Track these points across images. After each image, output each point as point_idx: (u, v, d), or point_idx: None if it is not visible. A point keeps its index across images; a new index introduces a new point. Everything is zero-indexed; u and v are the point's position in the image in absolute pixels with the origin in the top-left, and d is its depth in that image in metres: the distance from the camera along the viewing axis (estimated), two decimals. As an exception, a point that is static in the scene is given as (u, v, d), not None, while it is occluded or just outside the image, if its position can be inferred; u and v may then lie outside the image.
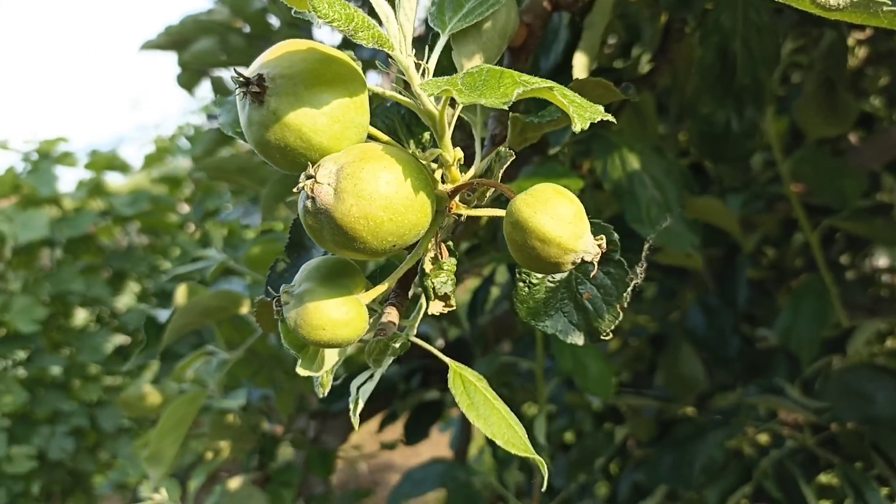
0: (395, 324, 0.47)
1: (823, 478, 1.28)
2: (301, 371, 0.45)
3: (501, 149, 0.44)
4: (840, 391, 1.14)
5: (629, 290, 0.45)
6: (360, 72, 0.39)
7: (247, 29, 1.32)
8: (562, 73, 0.68)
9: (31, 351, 2.73)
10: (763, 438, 1.25)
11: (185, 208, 3.34)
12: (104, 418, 2.71)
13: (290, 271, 0.53)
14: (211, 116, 1.38)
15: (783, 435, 1.17)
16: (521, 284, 0.45)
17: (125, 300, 3.07)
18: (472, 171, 0.45)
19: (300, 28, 1.30)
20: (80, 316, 3.03)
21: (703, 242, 1.35)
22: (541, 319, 0.46)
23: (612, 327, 0.46)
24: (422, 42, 0.45)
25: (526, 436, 0.46)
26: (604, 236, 0.35)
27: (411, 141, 0.48)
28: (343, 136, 0.38)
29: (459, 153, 0.45)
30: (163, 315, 0.83)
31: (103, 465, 2.79)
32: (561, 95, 0.31)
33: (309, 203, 0.35)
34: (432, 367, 1.34)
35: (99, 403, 2.77)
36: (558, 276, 0.46)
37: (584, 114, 0.32)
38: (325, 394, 0.48)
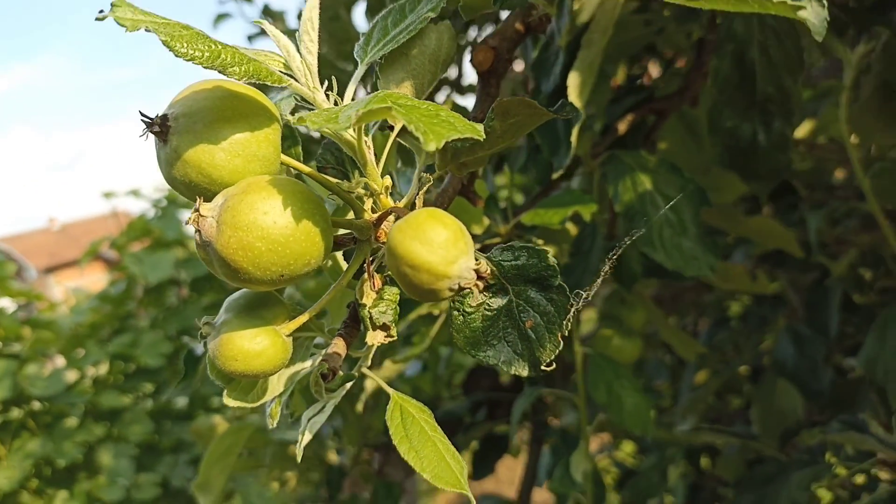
0: (340, 355, 0.46)
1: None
2: (228, 401, 0.45)
3: (423, 175, 0.43)
4: (947, 429, 1.01)
5: (570, 317, 0.43)
6: (270, 107, 0.40)
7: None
8: (562, 95, 0.66)
9: (157, 384, 2.92)
10: (859, 479, 1.12)
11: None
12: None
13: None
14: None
15: (879, 478, 1.04)
16: (455, 313, 0.44)
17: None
18: (405, 199, 0.45)
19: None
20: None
21: (779, 265, 1.26)
22: (481, 349, 0.44)
23: (553, 356, 0.43)
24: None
25: (462, 470, 0.44)
26: (485, 261, 0.33)
27: (356, 171, 0.48)
28: (246, 170, 0.39)
29: (388, 181, 0.44)
30: (199, 349, 0.87)
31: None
32: (404, 114, 0.30)
33: (197, 236, 0.36)
34: (499, 400, 1.31)
35: (216, 434, 2.91)
36: (495, 304, 0.44)
37: (440, 131, 0.31)
38: (275, 424, 0.48)
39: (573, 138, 0.64)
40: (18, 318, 2.73)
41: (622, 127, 0.78)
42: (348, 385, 0.48)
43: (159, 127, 0.38)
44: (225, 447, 0.95)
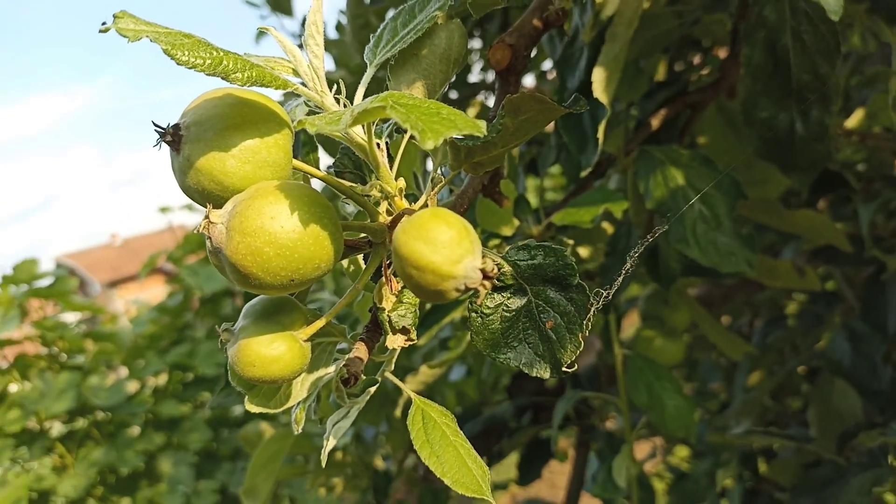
0: (361, 359, 0.46)
1: None
2: (250, 407, 0.46)
3: (434, 174, 0.43)
4: None
5: (590, 317, 0.41)
6: (280, 113, 0.40)
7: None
8: (587, 92, 0.64)
9: (214, 392, 2.99)
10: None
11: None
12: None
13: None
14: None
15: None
16: (472, 315, 0.43)
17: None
18: (419, 201, 0.44)
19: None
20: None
21: (832, 261, 1.21)
22: (501, 352, 0.44)
23: (575, 357, 0.42)
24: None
25: (485, 476, 0.43)
26: (492, 260, 0.33)
27: (372, 175, 0.48)
28: (256, 176, 0.39)
29: (402, 183, 0.44)
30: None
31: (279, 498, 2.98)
32: (401, 113, 0.30)
33: (208, 243, 0.36)
34: (544, 404, 1.30)
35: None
36: (514, 305, 0.43)
37: (439, 129, 0.31)
38: (300, 430, 0.48)
39: (600, 135, 0.63)
40: (81, 331, 2.82)
41: (655, 122, 0.77)
42: (372, 390, 0.48)
43: (172, 136, 0.38)
44: (271, 453, 0.96)
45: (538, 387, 1.35)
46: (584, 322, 0.41)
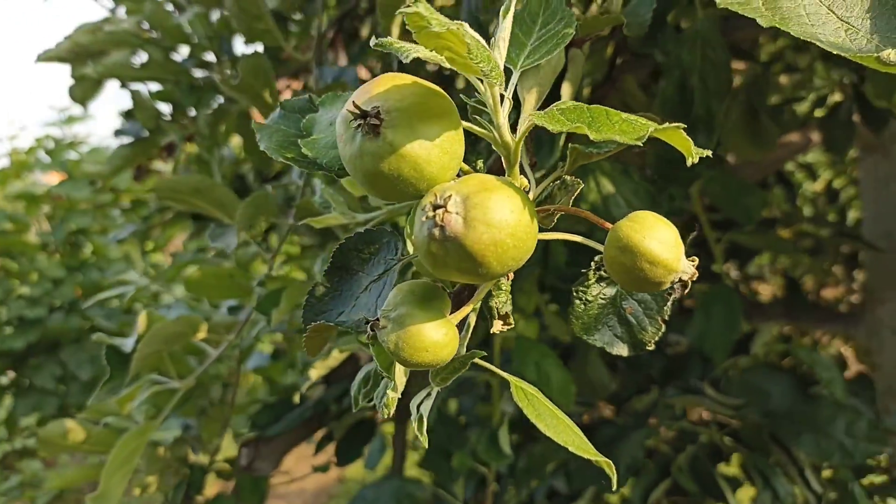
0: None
1: (727, 469, 1.41)
2: (392, 395, 0.46)
3: (567, 178, 0.48)
4: (742, 389, 1.27)
5: (669, 303, 0.50)
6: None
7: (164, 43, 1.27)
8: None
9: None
10: (670, 436, 1.35)
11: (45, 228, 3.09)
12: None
13: (331, 295, 0.53)
14: (120, 132, 1.30)
15: (696, 432, 1.28)
16: (577, 302, 0.49)
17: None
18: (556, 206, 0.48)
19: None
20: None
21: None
22: (591, 334, 0.50)
23: (657, 339, 0.50)
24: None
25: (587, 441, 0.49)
26: (695, 258, 0.40)
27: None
28: (448, 167, 0.40)
29: (526, 181, 0.48)
30: (128, 344, 0.79)
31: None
32: (682, 136, 0.35)
33: (437, 231, 0.37)
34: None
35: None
36: (608, 293, 0.50)
37: (693, 150, 0.37)
38: (390, 414, 0.49)
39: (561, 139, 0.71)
40: None
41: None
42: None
43: (376, 119, 0.38)
44: (127, 453, 0.87)
45: (356, 370, 1.39)
46: (664, 308, 0.50)
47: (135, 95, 1.20)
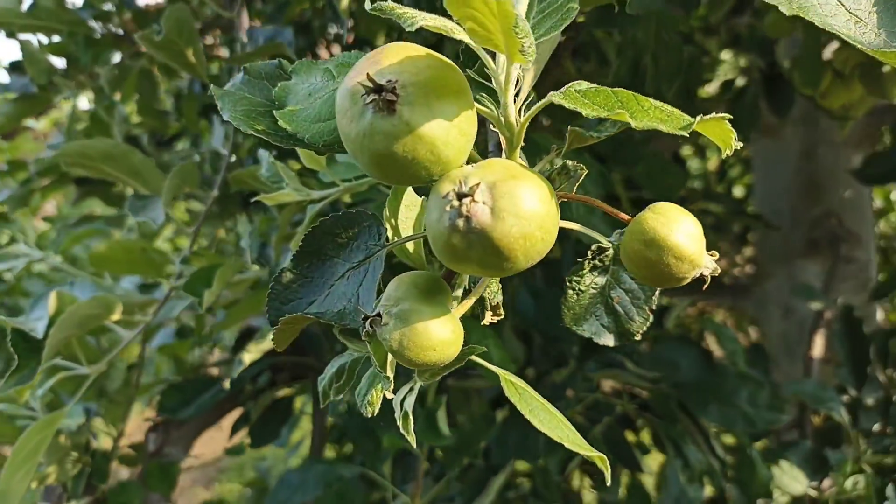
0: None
1: (634, 436, 1.47)
2: (389, 395, 0.42)
3: (568, 163, 0.45)
4: (654, 361, 1.32)
5: (657, 293, 0.49)
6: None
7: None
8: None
9: None
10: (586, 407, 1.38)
11: None
12: None
13: (300, 283, 0.49)
14: (5, 87, 1.16)
15: (611, 403, 1.31)
16: (570, 292, 0.47)
17: None
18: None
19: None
20: None
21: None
22: (580, 324, 0.49)
23: (644, 329, 0.49)
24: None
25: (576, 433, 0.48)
26: (716, 252, 0.38)
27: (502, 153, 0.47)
28: (464, 150, 0.37)
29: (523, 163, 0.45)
30: (38, 328, 0.70)
31: None
32: (726, 128, 0.34)
33: (461, 222, 0.34)
34: (280, 365, 1.28)
35: None
36: (599, 283, 0.48)
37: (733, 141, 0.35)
38: (374, 413, 0.45)
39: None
40: None
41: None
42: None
43: (393, 94, 0.34)
44: (32, 446, 0.78)
45: (271, 349, 1.33)
46: (651, 297, 0.49)
47: (24, 46, 1.07)
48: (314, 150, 0.43)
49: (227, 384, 1.05)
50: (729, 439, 1.55)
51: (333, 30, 1.41)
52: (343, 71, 0.44)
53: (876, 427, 1.41)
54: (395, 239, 0.48)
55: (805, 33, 1.08)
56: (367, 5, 0.41)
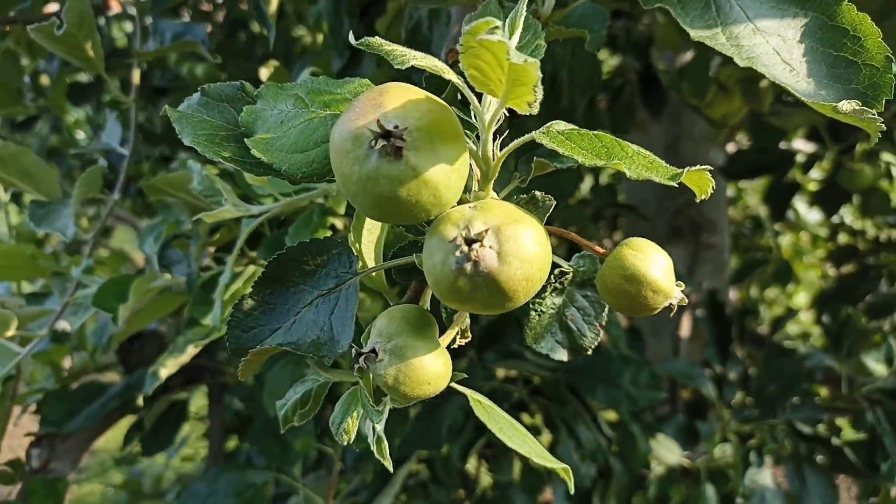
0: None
1: (530, 420, 1.54)
2: (378, 427, 0.42)
3: (537, 194, 0.47)
4: (546, 348, 1.38)
5: (606, 310, 0.52)
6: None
7: None
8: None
9: None
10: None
11: None
12: None
13: (262, 310, 0.48)
14: None
15: (508, 391, 1.37)
16: (532, 313, 0.49)
17: None
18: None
19: None
20: None
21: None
22: (539, 342, 0.51)
23: (595, 344, 0.52)
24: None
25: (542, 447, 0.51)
26: (682, 283, 0.42)
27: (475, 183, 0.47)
28: (460, 190, 0.38)
29: (494, 195, 0.46)
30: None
31: None
32: (706, 178, 0.37)
33: (469, 266, 0.35)
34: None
35: None
36: (558, 303, 0.51)
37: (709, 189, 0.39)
38: (350, 441, 0.46)
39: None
40: None
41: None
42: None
43: (401, 140, 0.34)
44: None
45: (161, 349, 1.27)
46: (601, 314, 0.52)
47: None
48: (289, 181, 0.43)
49: (140, 401, 0.99)
50: (610, 415, 1.66)
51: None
52: (316, 99, 0.44)
53: (737, 399, 1.56)
54: (362, 264, 0.48)
55: (695, 50, 1.16)
56: (352, 39, 0.41)
